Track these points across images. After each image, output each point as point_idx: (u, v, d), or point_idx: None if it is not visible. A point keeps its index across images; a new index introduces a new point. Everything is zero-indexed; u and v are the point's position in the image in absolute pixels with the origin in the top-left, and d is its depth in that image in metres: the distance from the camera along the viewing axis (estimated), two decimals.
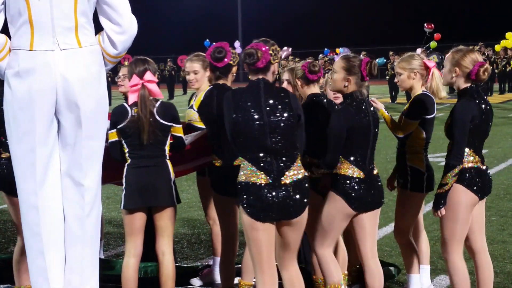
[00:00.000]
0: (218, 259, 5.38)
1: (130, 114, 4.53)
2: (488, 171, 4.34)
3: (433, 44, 23.21)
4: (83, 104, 3.66)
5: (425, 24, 21.14)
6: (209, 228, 5.70)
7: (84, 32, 3.68)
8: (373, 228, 4.41)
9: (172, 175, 4.62)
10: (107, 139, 4.16)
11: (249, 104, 3.89)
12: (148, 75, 4.54)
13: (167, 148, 4.63)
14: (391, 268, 5.43)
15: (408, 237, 4.91)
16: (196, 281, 5.58)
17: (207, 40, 18.98)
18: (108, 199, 8.81)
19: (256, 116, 3.87)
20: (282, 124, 3.88)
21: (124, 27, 3.77)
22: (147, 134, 4.47)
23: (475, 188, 4.19)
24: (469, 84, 4.22)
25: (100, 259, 5.62)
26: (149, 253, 4.94)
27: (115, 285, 5.27)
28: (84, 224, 3.76)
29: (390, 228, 7.08)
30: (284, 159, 3.89)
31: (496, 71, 27.50)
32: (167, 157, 4.63)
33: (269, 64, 3.94)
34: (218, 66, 4.74)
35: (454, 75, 4.24)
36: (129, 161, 4.58)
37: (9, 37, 3.71)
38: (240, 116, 3.88)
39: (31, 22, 3.57)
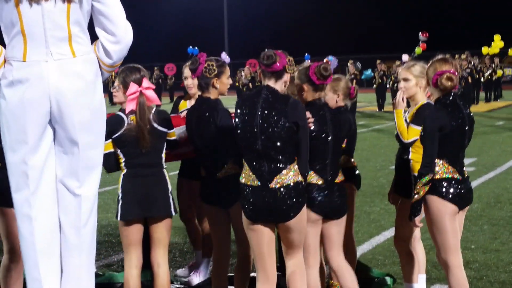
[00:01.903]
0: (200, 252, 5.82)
1: (126, 123, 4.48)
2: (468, 182, 4.32)
3: (418, 50, 23.33)
4: (77, 114, 3.61)
5: (420, 33, 21.23)
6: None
7: (78, 41, 3.64)
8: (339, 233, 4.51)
9: (169, 184, 4.58)
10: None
11: (248, 108, 4.07)
12: (146, 82, 4.51)
13: (163, 156, 4.58)
14: (387, 278, 5.40)
15: (408, 246, 4.89)
16: (180, 272, 5.94)
17: (190, 47, 18.90)
18: (98, 208, 8.71)
19: (250, 120, 4.02)
20: (274, 130, 3.97)
21: (118, 36, 3.72)
22: (146, 142, 4.43)
23: (450, 197, 4.19)
24: (441, 94, 4.23)
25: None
26: (144, 262, 4.89)
27: None
28: (81, 233, 3.70)
29: (383, 237, 7.07)
30: (275, 164, 3.99)
31: (482, 79, 27.69)
32: (164, 166, 4.59)
33: (284, 70, 4.06)
34: (195, 77, 4.67)
35: (426, 84, 4.32)
36: (124, 170, 4.53)
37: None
38: (238, 120, 4.10)
39: (24, 33, 3.54)
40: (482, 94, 28.76)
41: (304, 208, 4.10)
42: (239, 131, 4.08)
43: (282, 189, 3.99)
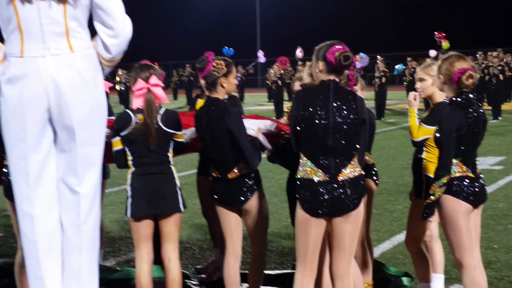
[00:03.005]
0: (222, 256, 5.65)
1: (134, 121, 4.50)
2: (480, 180, 4.24)
3: (445, 45, 22.94)
4: (76, 110, 3.59)
5: (436, 33, 20.96)
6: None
7: (76, 36, 3.61)
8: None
9: (177, 181, 4.58)
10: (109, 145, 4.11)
11: (317, 103, 4.01)
12: (154, 79, 4.51)
13: (170, 154, 4.59)
14: (403, 278, 5.33)
15: (420, 246, 4.83)
16: (199, 268, 5.97)
17: (225, 47, 18.95)
18: (111, 205, 8.80)
19: (323, 115, 3.98)
20: (345, 126, 3.99)
21: (117, 30, 3.68)
22: (154, 140, 4.44)
23: (464, 196, 4.12)
24: (456, 92, 4.16)
25: (106, 267, 5.68)
26: (156, 258, 4.91)
27: None
28: (81, 231, 3.69)
29: (403, 236, 6.98)
30: (342, 158, 4.02)
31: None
32: (172, 163, 4.60)
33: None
34: (202, 77, 4.61)
35: (440, 82, 4.23)
36: (132, 169, 4.55)
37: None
38: (307, 114, 4.00)
39: (21, 29, 3.53)
40: None
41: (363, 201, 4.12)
42: (306, 124, 3.99)
43: (350, 181, 4.00)
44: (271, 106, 25.23)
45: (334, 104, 4.00)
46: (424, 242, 4.95)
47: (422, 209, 4.49)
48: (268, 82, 26.49)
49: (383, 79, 22.27)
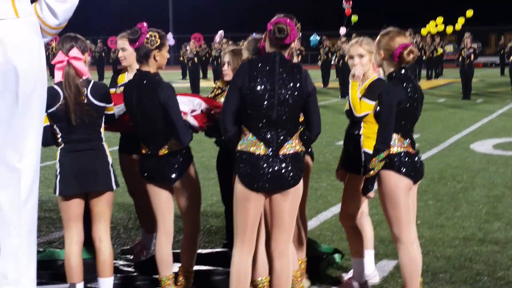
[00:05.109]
0: (148, 235, 5.64)
1: (62, 97, 4.28)
2: (419, 155, 4.29)
3: (354, 18, 23.33)
4: (22, 78, 3.38)
5: (344, 1, 21.24)
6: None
7: (21, 0, 3.39)
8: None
9: (109, 158, 4.41)
10: None
11: (263, 74, 3.92)
12: (74, 52, 4.29)
13: (102, 130, 4.41)
14: (335, 255, 5.37)
15: (354, 222, 4.86)
16: (126, 249, 5.83)
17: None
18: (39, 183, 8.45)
19: (268, 87, 3.91)
20: (290, 99, 3.92)
21: None
22: (74, 115, 4.24)
23: (406, 171, 4.14)
24: (396, 68, 4.17)
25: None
26: (86, 238, 4.72)
27: (51, 272, 5.06)
28: (21, 211, 3.49)
29: (330, 213, 7.06)
30: (284, 131, 3.95)
31: (424, 57, 28.08)
32: (103, 140, 4.42)
33: (292, 42, 3.96)
34: (134, 48, 4.40)
35: (380, 58, 4.22)
36: (62, 145, 4.36)
37: None
38: (253, 85, 3.91)
39: None
40: (423, 72, 29.23)
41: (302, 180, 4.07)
42: (251, 96, 3.90)
43: (291, 156, 3.95)
44: (186, 84, 24.98)
45: (280, 77, 3.93)
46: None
47: (359, 184, 4.52)
48: (183, 59, 26.18)
49: (299, 57, 22.42)
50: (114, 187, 4.43)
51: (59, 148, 4.38)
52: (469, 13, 29.82)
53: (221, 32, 24.97)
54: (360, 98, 4.69)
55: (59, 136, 4.36)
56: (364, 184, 4.22)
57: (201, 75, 26.63)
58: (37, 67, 3.46)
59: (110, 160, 4.42)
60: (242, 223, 4.02)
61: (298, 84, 3.96)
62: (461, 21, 29.89)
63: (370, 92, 4.66)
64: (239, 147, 4.00)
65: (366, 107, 4.62)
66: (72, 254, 4.40)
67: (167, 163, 4.42)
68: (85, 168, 4.32)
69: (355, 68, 4.73)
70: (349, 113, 4.74)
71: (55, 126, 4.35)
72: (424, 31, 29.37)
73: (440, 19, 29.22)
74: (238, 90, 3.95)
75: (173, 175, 4.43)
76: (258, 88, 3.92)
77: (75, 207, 4.38)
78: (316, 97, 4.12)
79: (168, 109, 4.30)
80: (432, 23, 29.45)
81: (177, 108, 4.35)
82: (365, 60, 4.75)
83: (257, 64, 3.99)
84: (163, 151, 4.40)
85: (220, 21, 33.99)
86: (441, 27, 29.49)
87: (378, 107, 4.15)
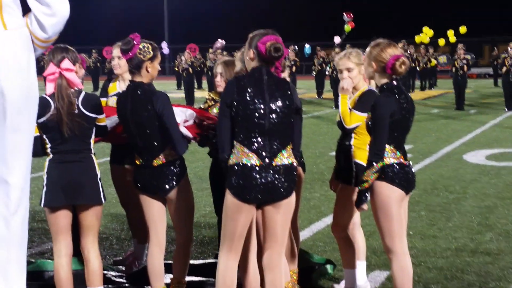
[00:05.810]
0: (140, 246, 5.61)
1: (53, 107, 4.29)
2: (411, 166, 4.31)
3: (347, 28, 23.36)
4: (8, 93, 3.35)
5: (344, 13, 21.32)
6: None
7: (10, 12, 3.37)
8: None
9: (98, 170, 4.41)
10: None
11: (252, 87, 3.96)
12: (66, 63, 4.30)
13: (92, 142, 4.41)
14: (327, 266, 5.37)
15: (346, 232, 4.87)
16: (118, 260, 5.79)
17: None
18: (31, 193, 8.43)
19: (259, 99, 3.94)
20: (281, 107, 3.96)
21: (54, 8, 3.44)
22: (66, 126, 4.25)
23: (398, 182, 4.16)
24: (388, 79, 4.19)
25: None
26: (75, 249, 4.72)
27: (41, 283, 5.05)
28: (10, 223, 3.45)
29: (323, 223, 7.07)
30: (278, 141, 3.97)
31: (417, 68, 28.19)
32: (92, 152, 4.42)
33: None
34: (126, 59, 4.42)
35: (372, 70, 4.23)
36: (50, 156, 4.36)
37: None
38: (242, 98, 3.94)
39: None
40: (417, 83, 29.32)
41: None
42: (240, 108, 3.92)
43: (284, 168, 3.96)
44: (180, 94, 24.99)
45: (268, 86, 3.97)
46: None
47: (351, 195, 4.54)
48: (178, 70, 26.21)
49: (294, 68, 22.51)
50: (103, 201, 4.43)
51: (48, 159, 4.38)
52: (463, 29, 30.06)
53: (222, 41, 25.01)
54: (351, 110, 4.71)
55: (48, 146, 4.36)
56: (358, 196, 4.23)
57: (195, 85, 26.67)
58: (25, 82, 3.43)
59: (98, 173, 4.42)
60: (231, 233, 4.02)
61: (287, 95, 4.00)
62: (451, 34, 30.10)
63: (361, 103, 4.68)
64: (230, 162, 4.00)
65: (356, 119, 4.64)
66: (61, 266, 4.39)
67: (161, 173, 4.42)
68: (73, 180, 4.31)
69: (344, 81, 4.75)
70: (340, 124, 4.76)
71: (44, 136, 4.36)
72: (418, 39, 29.48)
73: (426, 28, 29.46)
74: (228, 108, 3.98)
75: (167, 186, 4.44)
76: (248, 98, 3.95)
77: (62, 219, 4.37)
78: (302, 119, 4.19)
79: (163, 118, 4.31)
80: (426, 30, 29.62)
81: (173, 116, 4.37)
82: (355, 72, 4.77)
83: (243, 78, 4.03)
84: (158, 161, 4.41)
85: (215, 32, 34.02)
86: (430, 33, 29.63)
87: (371, 119, 4.17)
